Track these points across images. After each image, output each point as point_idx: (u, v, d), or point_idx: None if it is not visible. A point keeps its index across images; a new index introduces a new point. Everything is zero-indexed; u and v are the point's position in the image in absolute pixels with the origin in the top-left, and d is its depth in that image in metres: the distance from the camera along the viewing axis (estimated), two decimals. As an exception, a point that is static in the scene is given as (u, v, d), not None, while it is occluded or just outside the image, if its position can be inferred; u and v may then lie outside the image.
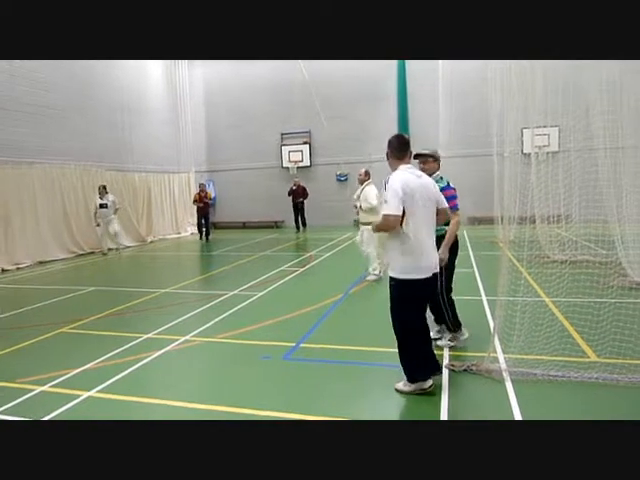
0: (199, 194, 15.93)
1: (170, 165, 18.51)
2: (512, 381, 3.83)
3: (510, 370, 3.99)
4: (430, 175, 4.52)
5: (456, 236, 4.59)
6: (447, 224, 4.41)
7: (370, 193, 7.97)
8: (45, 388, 4.09)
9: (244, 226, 19.71)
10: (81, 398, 3.88)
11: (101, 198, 13.03)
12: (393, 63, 17.47)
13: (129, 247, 14.86)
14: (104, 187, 13.16)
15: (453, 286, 4.70)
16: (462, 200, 4.70)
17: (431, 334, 4.80)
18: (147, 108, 17.36)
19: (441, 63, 16.88)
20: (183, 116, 19.59)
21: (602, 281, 6.00)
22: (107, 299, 7.66)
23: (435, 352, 3.93)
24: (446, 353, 4.53)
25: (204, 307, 6.73)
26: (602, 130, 7.78)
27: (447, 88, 17.11)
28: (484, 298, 6.45)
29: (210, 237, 16.03)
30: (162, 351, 4.93)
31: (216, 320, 6.00)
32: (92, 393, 3.97)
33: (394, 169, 3.66)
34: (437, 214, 3.72)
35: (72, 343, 5.41)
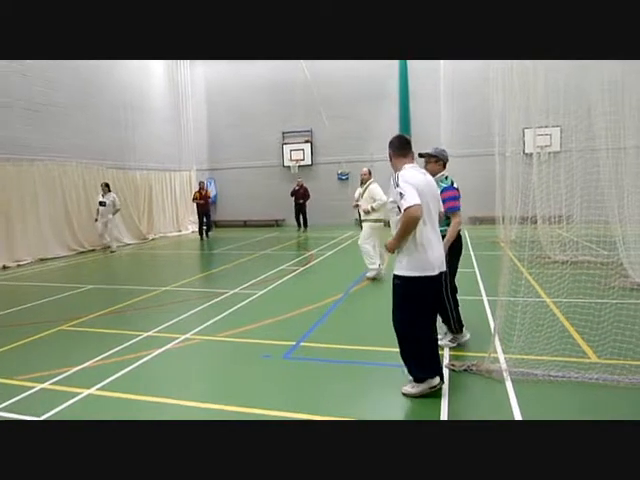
0: (199, 192, 15.95)
1: (171, 163, 18.51)
2: (512, 381, 3.82)
3: (510, 370, 3.98)
4: (433, 176, 4.52)
5: (459, 236, 4.58)
6: (448, 224, 4.40)
7: (376, 190, 7.97)
8: (45, 385, 4.09)
9: (245, 225, 19.71)
10: (81, 396, 3.88)
11: (102, 196, 13.04)
12: (395, 62, 17.45)
13: (129, 244, 14.88)
14: (106, 185, 13.15)
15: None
16: (463, 200, 4.68)
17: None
18: (149, 107, 17.36)
19: (443, 63, 16.87)
20: (185, 115, 19.59)
21: (603, 282, 5.99)
22: (107, 297, 7.67)
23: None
24: (446, 353, 4.52)
25: (204, 305, 6.73)
26: (604, 130, 7.77)
27: (449, 87, 17.10)
28: (485, 298, 6.44)
29: (211, 234, 16.03)
30: (162, 349, 4.93)
31: (216, 318, 6.00)
32: (92, 391, 3.96)
33: (398, 169, 3.62)
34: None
35: (72, 341, 5.41)
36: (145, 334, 5.44)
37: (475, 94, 16.12)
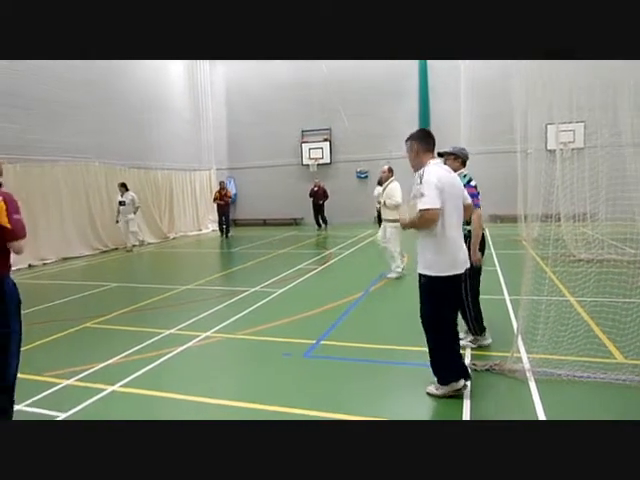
0: (219, 192, 16.08)
1: (192, 163, 18.69)
2: (536, 381, 3.76)
3: (534, 370, 3.92)
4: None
5: (482, 237, 4.53)
6: (468, 223, 4.35)
7: (395, 190, 7.93)
8: (70, 382, 4.17)
9: (264, 223, 19.80)
10: (105, 392, 3.95)
11: (121, 196, 13.23)
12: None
13: (151, 243, 15.09)
14: (123, 185, 13.33)
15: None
16: (483, 198, 4.62)
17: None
18: (169, 107, 17.54)
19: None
20: (204, 114, 19.74)
21: (630, 281, 5.84)
22: (130, 295, 7.78)
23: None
24: (468, 352, 4.47)
25: (225, 304, 6.78)
26: (629, 126, 7.58)
27: (469, 84, 16.90)
28: (507, 297, 6.35)
29: (230, 234, 16.15)
30: (184, 347, 4.98)
31: (237, 317, 6.04)
32: (116, 387, 4.03)
33: (420, 164, 3.53)
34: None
35: (96, 338, 5.51)
36: (167, 332, 5.51)
37: (496, 90, 15.90)
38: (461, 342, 4.58)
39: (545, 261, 6.77)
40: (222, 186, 16.31)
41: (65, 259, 12.15)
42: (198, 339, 5.23)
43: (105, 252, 13.41)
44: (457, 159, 4.54)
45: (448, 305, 3.55)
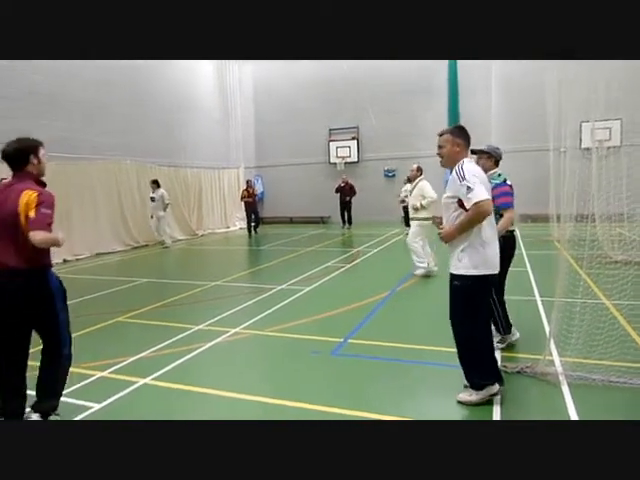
0: (247, 190, 16.23)
1: (220, 161, 18.91)
2: (569, 385, 3.67)
3: (567, 374, 3.83)
4: (484, 172, 4.41)
5: (513, 237, 4.45)
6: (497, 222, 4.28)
7: (428, 187, 7.86)
8: (104, 374, 4.29)
9: (291, 221, 19.89)
10: (137, 385, 4.04)
11: (152, 192, 13.50)
12: (444, 56, 17.11)
13: (180, 240, 15.35)
14: (153, 181, 13.58)
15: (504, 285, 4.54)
16: (515, 196, 4.53)
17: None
18: (199, 106, 17.78)
19: (494, 55, 16.37)
20: (233, 113, 19.95)
21: (669, 284, 5.64)
22: (160, 290, 7.93)
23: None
24: (498, 354, 4.39)
25: (253, 300, 6.84)
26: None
27: (501, 81, 16.61)
28: (538, 299, 6.22)
29: (257, 232, 16.28)
30: (213, 342, 5.05)
31: (265, 313, 6.09)
32: (147, 380, 4.12)
33: (454, 161, 3.42)
34: None
35: (128, 332, 5.64)
36: (196, 327, 5.60)
37: (528, 88, 15.57)
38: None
39: (579, 262, 6.58)
40: (249, 184, 16.46)
41: (98, 254, 12.46)
42: (227, 335, 5.30)
43: (136, 248, 13.70)
44: (490, 158, 4.47)
45: (480, 307, 3.45)
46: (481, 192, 3.17)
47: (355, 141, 18.91)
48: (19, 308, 3.09)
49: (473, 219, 3.22)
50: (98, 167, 12.86)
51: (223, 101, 19.42)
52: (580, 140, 13.88)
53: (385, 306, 6.34)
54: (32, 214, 2.95)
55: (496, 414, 3.34)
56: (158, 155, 15.22)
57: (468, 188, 3.18)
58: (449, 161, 3.48)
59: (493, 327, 4.51)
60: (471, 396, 3.48)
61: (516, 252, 4.68)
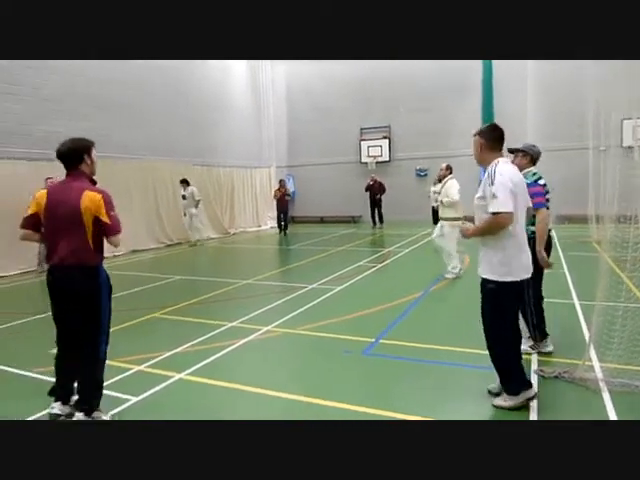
0: (279, 189, 16.35)
1: (252, 160, 19.10)
2: (610, 392, 3.56)
3: (607, 380, 3.71)
4: (520, 171, 4.31)
5: (549, 238, 4.35)
6: (532, 223, 4.18)
7: (452, 188, 7.77)
8: (141, 368, 4.40)
9: (322, 220, 19.93)
10: (173, 379, 4.13)
11: (183, 190, 13.77)
12: (478, 54, 16.78)
13: (213, 238, 15.59)
14: (183, 180, 13.83)
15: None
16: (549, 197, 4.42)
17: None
18: (232, 106, 18.00)
19: (531, 52, 15.98)
20: (265, 113, 20.12)
21: None
22: (194, 287, 8.08)
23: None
24: (534, 358, 4.30)
25: (284, 299, 6.89)
26: None
27: (537, 78, 16.20)
28: (576, 301, 6.05)
29: (288, 231, 16.38)
30: (245, 340, 5.12)
31: (296, 312, 6.13)
32: (182, 375, 4.21)
33: (486, 161, 3.39)
34: None
35: (163, 327, 5.77)
36: (229, 324, 5.68)
37: (566, 84, 15.16)
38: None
39: (621, 265, 6.35)
40: (282, 184, 16.58)
41: (134, 251, 12.78)
42: (259, 333, 5.35)
43: (170, 246, 13.99)
44: (526, 156, 4.38)
45: (512, 311, 3.38)
46: (503, 203, 3.10)
47: (387, 140, 18.79)
48: (75, 300, 3.28)
49: (491, 227, 3.20)
50: (134, 166, 13.17)
51: (256, 100, 19.60)
52: (621, 138, 13.41)
53: (417, 307, 6.29)
54: (106, 220, 3.18)
55: (532, 419, 3.27)
56: (191, 154, 15.49)
57: (494, 195, 3.14)
58: (480, 161, 3.46)
59: (527, 332, 4.40)
60: (506, 401, 3.42)
61: (552, 254, 4.56)
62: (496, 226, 3.17)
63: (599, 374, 3.83)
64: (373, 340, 4.98)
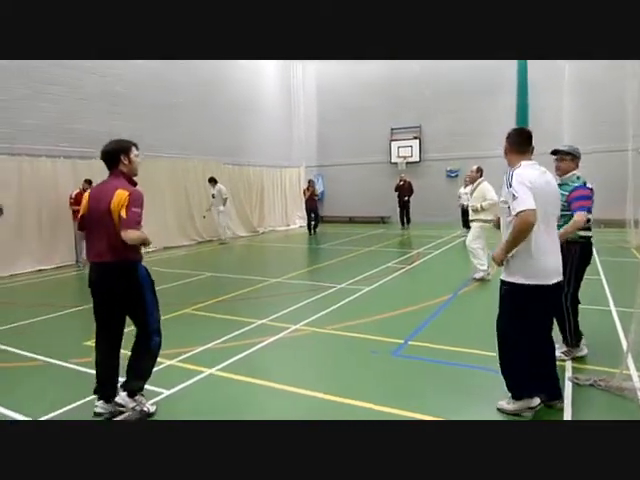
0: (307, 189, 16.40)
1: (282, 160, 19.22)
2: (648, 402, 3.45)
3: (646, 390, 3.60)
4: (564, 174, 4.21)
5: (589, 244, 4.23)
6: (584, 228, 4.09)
7: (487, 189, 7.66)
8: (173, 362, 4.50)
9: (350, 221, 19.90)
10: (204, 375, 4.21)
11: (212, 189, 13.98)
12: (513, 53, 16.45)
13: (242, 237, 15.77)
14: (211, 179, 14.03)
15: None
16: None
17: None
18: (262, 106, 18.17)
19: (569, 51, 15.58)
20: (296, 113, 20.22)
21: None
22: (224, 285, 8.19)
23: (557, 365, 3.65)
24: (569, 365, 4.20)
25: (313, 298, 6.92)
26: None
27: (574, 77, 15.77)
28: (613, 309, 5.88)
29: (317, 230, 16.43)
30: (275, 338, 5.17)
31: (325, 311, 6.15)
32: (213, 371, 4.28)
33: (513, 165, 3.34)
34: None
35: (194, 323, 5.88)
36: (259, 322, 5.75)
37: (605, 83, 14.71)
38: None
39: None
40: (310, 184, 16.63)
41: (166, 248, 13.04)
42: (288, 331, 5.40)
43: (201, 243, 14.22)
44: (574, 159, 4.23)
45: (528, 317, 3.26)
46: (525, 201, 3.03)
47: (417, 140, 18.63)
48: (113, 297, 3.40)
49: (522, 229, 3.07)
50: (166, 165, 13.44)
51: (286, 100, 19.72)
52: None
53: (447, 309, 6.22)
54: (124, 213, 3.21)
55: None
56: (223, 153, 15.70)
57: (513, 196, 3.08)
58: (508, 164, 3.42)
59: (561, 338, 4.31)
60: (509, 404, 3.40)
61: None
62: (523, 226, 3.06)
63: (637, 384, 3.71)
64: (402, 341, 4.96)
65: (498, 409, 3.43)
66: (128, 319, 3.55)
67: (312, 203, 16.31)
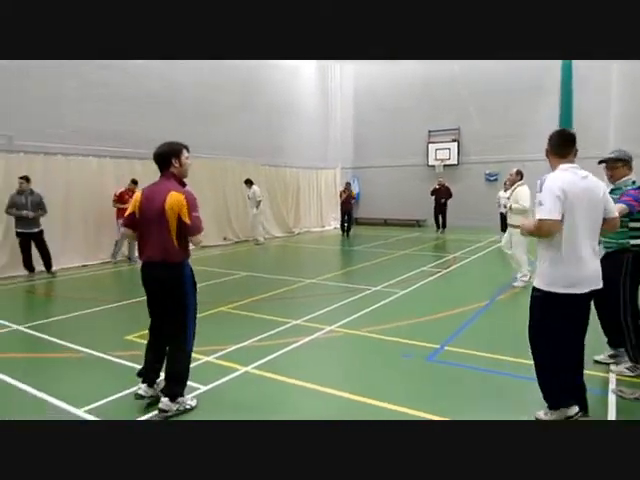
0: (344, 191, 16.40)
1: (318, 162, 19.29)
2: (699, 419, 3.29)
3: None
4: (616, 181, 4.06)
5: None
6: (631, 237, 3.92)
7: (522, 194, 7.47)
8: (209, 359, 4.58)
9: (385, 223, 19.78)
10: (239, 372, 4.28)
11: (248, 190, 14.15)
12: (558, 54, 15.97)
13: (278, 237, 15.91)
14: (247, 181, 14.19)
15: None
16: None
17: (600, 357, 4.33)
18: (299, 107, 18.28)
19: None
20: (332, 114, 20.25)
21: None
22: (259, 284, 8.28)
23: (593, 374, 3.52)
24: (612, 377, 4.05)
25: (347, 300, 6.91)
26: None
27: (622, 77, 15.18)
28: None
29: (351, 233, 16.40)
30: (309, 338, 5.19)
31: (359, 314, 6.13)
32: (248, 369, 4.34)
33: (554, 169, 3.24)
34: (603, 223, 3.21)
35: (230, 321, 5.97)
36: (293, 322, 5.79)
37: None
38: (613, 368, 4.16)
39: None
40: (347, 186, 16.62)
41: (203, 247, 13.28)
42: (323, 332, 5.41)
43: (237, 243, 14.42)
44: (626, 165, 4.05)
45: (556, 325, 3.15)
46: (548, 210, 2.99)
47: (455, 143, 18.35)
48: (161, 292, 3.53)
49: (536, 232, 3.12)
50: (205, 165, 13.68)
51: (323, 101, 19.77)
52: None
53: (484, 315, 6.11)
54: (188, 220, 3.38)
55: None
56: (260, 154, 15.86)
57: (540, 202, 3.05)
58: (551, 167, 3.33)
59: (625, 351, 4.13)
60: (545, 415, 3.29)
61: None
62: (539, 232, 3.08)
63: (687, 399, 3.54)
64: (438, 346, 4.90)
65: (536, 419, 3.34)
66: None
67: (348, 205, 16.30)
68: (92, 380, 4.21)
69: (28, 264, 8.93)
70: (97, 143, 10.93)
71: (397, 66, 18.88)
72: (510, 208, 7.54)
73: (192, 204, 3.42)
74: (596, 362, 4.30)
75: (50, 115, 10.13)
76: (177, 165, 3.55)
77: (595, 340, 4.13)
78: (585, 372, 3.35)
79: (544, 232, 3.05)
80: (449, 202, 16.77)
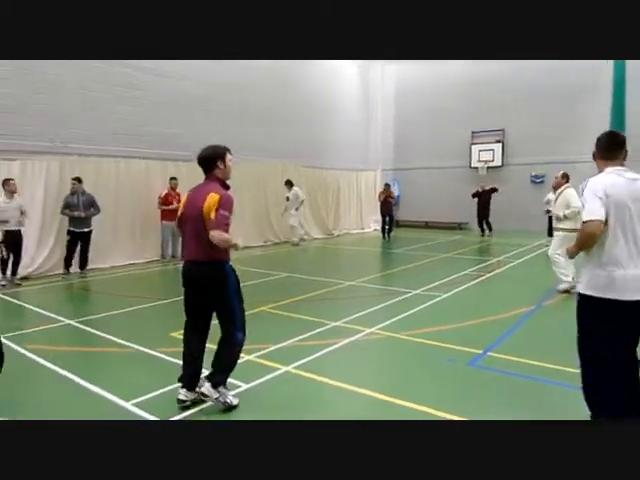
0: (383, 192, 16.29)
1: (358, 163, 19.24)
2: None
3: None
4: None
5: None
6: None
7: (570, 196, 7.20)
8: (251, 357, 4.65)
9: (426, 225, 19.51)
10: (280, 371, 4.33)
11: (288, 191, 14.27)
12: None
13: (317, 239, 15.96)
14: (287, 182, 14.30)
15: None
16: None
17: None
18: (340, 108, 18.28)
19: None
20: (373, 115, 20.16)
21: None
22: (299, 285, 8.34)
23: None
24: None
25: (388, 302, 6.87)
26: None
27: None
28: None
29: (391, 235, 16.27)
30: (349, 340, 5.19)
31: (400, 317, 6.08)
32: (289, 368, 4.39)
33: (601, 171, 3.13)
34: None
35: (271, 321, 6.04)
36: (333, 323, 5.80)
37: None
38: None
39: None
40: (387, 187, 16.50)
41: (244, 247, 13.49)
42: (363, 334, 5.40)
43: (277, 244, 14.57)
44: None
45: (599, 333, 2.98)
46: (591, 210, 2.87)
47: (500, 144, 17.90)
48: (201, 293, 3.61)
49: (583, 238, 2.97)
50: (246, 166, 13.86)
51: (364, 102, 19.70)
52: None
53: (530, 320, 5.94)
54: (212, 215, 3.39)
55: None
56: (300, 156, 15.95)
57: (583, 205, 2.94)
58: (598, 170, 3.20)
59: None
60: None
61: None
62: (585, 237, 2.95)
63: None
64: (481, 352, 4.79)
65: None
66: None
67: (387, 206, 16.13)
68: (138, 375, 4.36)
69: (68, 262, 9.24)
70: (144, 145, 11.29)
71: (440, 66, 18.59)
72: (564, 216, 7.18)
73: (223, 203, 3.44)
74: None
75: (100, 118, 10.55)
76: (222, 167, 3.65)
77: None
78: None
79: (589, 234, 2.93)
80: (493, 205, 16.31)
